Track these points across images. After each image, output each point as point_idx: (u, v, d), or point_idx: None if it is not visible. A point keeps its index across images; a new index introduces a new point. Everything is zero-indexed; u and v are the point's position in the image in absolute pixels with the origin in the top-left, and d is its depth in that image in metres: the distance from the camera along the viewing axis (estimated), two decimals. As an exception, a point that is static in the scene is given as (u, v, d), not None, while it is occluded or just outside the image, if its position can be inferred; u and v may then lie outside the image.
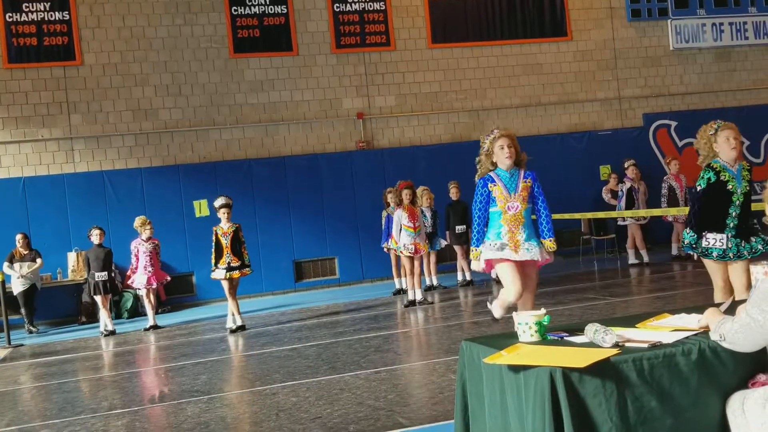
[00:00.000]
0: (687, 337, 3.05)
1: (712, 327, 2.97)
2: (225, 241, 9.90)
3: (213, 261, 9.99)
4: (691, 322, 3.28)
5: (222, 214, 9.97)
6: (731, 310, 3.15)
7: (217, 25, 13.93)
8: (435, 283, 12.44)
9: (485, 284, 12.44)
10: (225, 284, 9.99)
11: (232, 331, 9.95)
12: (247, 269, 10.13)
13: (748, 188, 5.85)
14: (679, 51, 16.03)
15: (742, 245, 5.73)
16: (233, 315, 10.08)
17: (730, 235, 5.71)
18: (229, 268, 9.90)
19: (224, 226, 9.98)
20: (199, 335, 10.21)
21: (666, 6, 15.83)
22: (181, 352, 8.99)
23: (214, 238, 9.96)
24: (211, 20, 13.91)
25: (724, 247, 5.70)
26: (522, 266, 5.62)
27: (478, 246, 5.66)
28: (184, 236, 13.40)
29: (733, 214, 5.74)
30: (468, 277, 12.55)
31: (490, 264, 5.68)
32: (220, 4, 13.93)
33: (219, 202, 10.05)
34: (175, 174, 13.64)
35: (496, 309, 5.68)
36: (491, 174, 5.71)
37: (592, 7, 15.69)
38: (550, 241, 5.77)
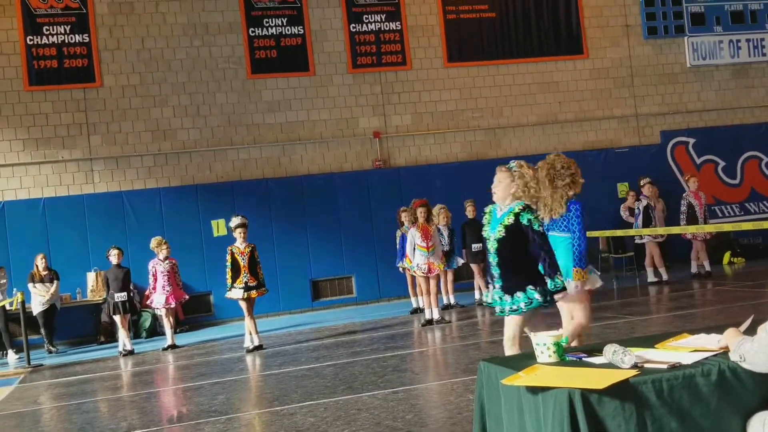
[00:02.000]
0: (706, 358, 3.03)
1: (731, 347, 2.95)
2: (242, 261, 9.93)
3: (229, 281, 10.03)
4: (710, 342, 3.26)
5: (238, 234, 10.01)
6: (751, 330, 3.12)
7: (235, 46, 14.07)
8: (452, 301, 12.41)
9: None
10: (243, 304, 10.01)
11: (250, 351, 9.96)
12: (263, 288, 10.16)
13: None
14: (696, 68, 15.99)
15: None
16: (251, 334, 10.10)
17: None
18: (247, 288, 9.92)
19: (240, 246, 10.02)
20: (217, 355, 10.23)
21: (682, 23, 15.82)
22: (199, 371, 9.00)
23: (229, 257, 10.00)
24: (229, 41, 14.05)
25: None
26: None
27: (584, 266, 5.72)
28: (202, 255, 13.47)
29: None
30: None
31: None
32: (237, 25, 14.08)
33: (235, 222, 10.09)
34: (193, 194, 13.73)
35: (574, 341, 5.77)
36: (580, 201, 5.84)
37: (608, 25, 15.70)
38: (576, 271, 5.83)
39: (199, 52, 13.96)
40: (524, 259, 5.03)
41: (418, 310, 11.97)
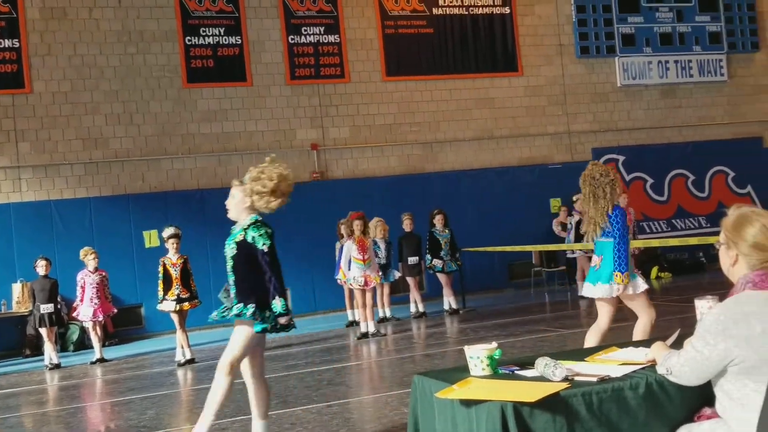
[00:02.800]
0: (635, 371, 3.10)
1: (658, 361, 3.02)
2: (174, 273, 9.77)
3: (161, 293, 9.85)
4: (638, 355, 3.33)
5: (170, 245, 9.85)
6: (678, 344, 3.20)
7: (171, 55, 13.87)
8: (388, 314, 12.42)
9: (439, 316, 12.47)
10: (174, 316, 9.84)
11: (182, 365, 9.78)
12: (196, 300, 10.02)
13: None
14: (626, 87, 16.44)
15: None
16: (182, 348, 9.92)
17: None
18: (179, 300, 9.76)
19: (173, 257, 9.86)
20: (147, 369, 10.01)
21: (613, 44, 16.26)
22: (129, 386, 8.79)
23: (161, 269, 9.83)
24: (165, 50, 13.85)
25: None
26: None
27: (625, 270, 5.88)
28: (133, 267, 13.18)
29: None
30: (421, 309, 12.56)
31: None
32: (173, 33, 13.88)
33: (168, 232, 9.93)
34: (125, 204, 13.44)
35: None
36: (621, 207, 6.09)
37: (542, 44, 16.03)
38: (618, 275, 6.05)
39: (133, 59, 13.72)
40: (259, 278, 4.86)
41: (354, 323, 11.94)
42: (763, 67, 17.39)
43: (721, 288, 3.02)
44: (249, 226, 4.86)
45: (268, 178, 4.92)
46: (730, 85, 17.09)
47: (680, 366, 2.85)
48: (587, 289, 6.19)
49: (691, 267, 15.63)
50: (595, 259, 6.12)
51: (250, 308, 4.77)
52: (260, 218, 4.95)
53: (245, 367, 5.05)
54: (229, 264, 4.94)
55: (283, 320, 4.85)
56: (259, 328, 4.78)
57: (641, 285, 6.07)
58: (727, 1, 16.97)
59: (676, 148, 16.67)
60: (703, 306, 3.41)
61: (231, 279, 4.96)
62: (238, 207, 4.97)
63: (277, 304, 4.79)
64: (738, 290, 2.77)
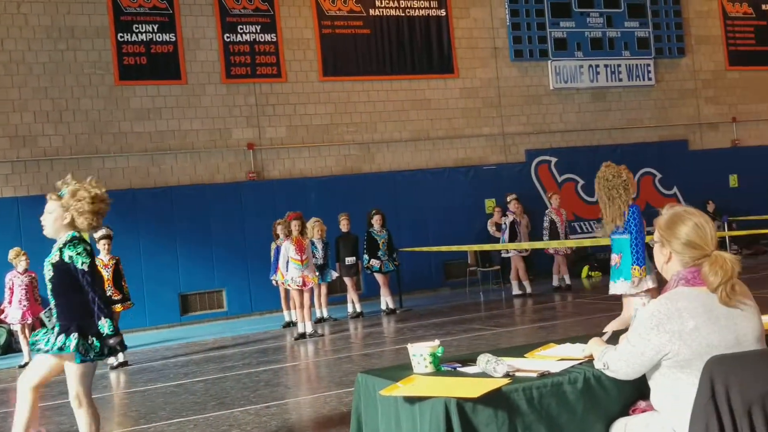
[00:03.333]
0: (573, 366, 3.18)
1: (596, 356, 3.11)
2: (106, 274, 9.56)
3: (92, 295, 9.60)
4: (576, 351, 3.42)
5: (102, 246, 9.63)
6: (614, 339, 3.30)
7: (102, 51, 13.56)
8: (325, 315, 12.41)
9: (377, 316, 12.51)
10: (107, 318, 9.60)
11: (114, 368, 9.56)
12: (128, 302, 9.83)
13: None
14: (558, 90, 16.79)
15: None
16: (116, 350, 9.69)
17: None
18: (111, 302, 9.53)
19: (104, 258, 9.65)
20: (79, 372, 9.75)
21: (546, 48, 16.58)
22: (60, 389, 8.54)
23: (94, 270, 9.58)
24: (96, 46, 13.53)
25: None
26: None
27: (643, 264, 6.09)
28: (63, 268, 12.80)
29: None
30: (358, 309, 12.59)
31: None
32: (105, 30, 13.58)
33: (99, 233, 9.69)
34: (55, 203, 13.05)
35: None
36: (636, 204, 6.31)
37: (477, 47, 16.24)
38: (635, 269, 6.26)
39: (63, 56, 13.36)
40: (81, 300, 4.54)
41: (291, 324, 11.89)
42: (688, 72, 17.99)
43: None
44: (65, 244, 4.52)
45: (88, 196, 4.56)
46: (657, 89, 17.62)
47: (616, 360, 2.94)
48: (611, 288, 6.42)
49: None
50: (615, 257, 6.40)
51: (72, 340, 4.44)
52: (78, 235, 4.60)
53: (31, 373, 4.70)
54: (48, 287, 4.61)
55: (111, 341, 4.52)
56: (79, 360, 4.47)
57: (650, 283, 6.23)
58: (655, 7, 17.49)
59: (606, 150, 17.06)
60: (638, 303, 3.52)
61: (52, 302, 4.62)
62: (56, 224, 4.58)
63: (104, 325, 4.48)
64: (671, 287, 2.88)
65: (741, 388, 2.63)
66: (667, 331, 2.76)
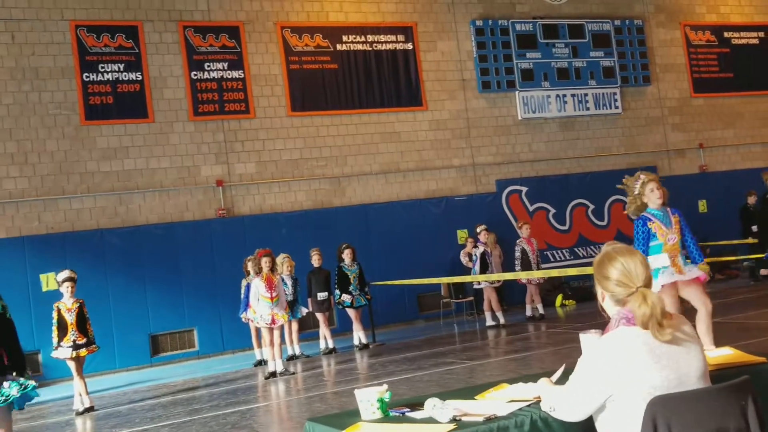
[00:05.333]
0: (520, 409, 3.13)
1: (543, 398, 3.07)
2: (69, 318, 9.41)
3: (55, 339, 9.46)
4: (526, 392, 3.38)
5: (65, 289, 9.49)
6: (563, 379, 3.26)
7: (68, 92, 13.49)
8: (297, 352, 12.29)
9: (350, 351, 12.39)
10: (71, 363, 9.45)
11: (80, 413, 9.38)
12: (94, 346, 9.66)
13: None
14: (527, 120, 16.92)
15: None
16: (81, 395, 9.52)
17: None
18: (76, 346, 9.39)
19: (68, 302, 9.50)
20: (44, 419, 9.56)
21: (513, 78, 16.73)
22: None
23: (55, 315, 9.46)
24: (61, 86, 13.46)
25: None
26: (687, 285, 6.61)
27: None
28: (29, 312, 12.60)
29: None
30: (331, 345, 12.47)
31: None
32: (70, 70, 13.52)
33: (61, 276, 9.57)
34: (20, 246, 12.91)
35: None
36: (646, 214, 6.68)
37: (445, 79, 16.36)
38: (704, 263, 6.82)
39: (28, 97, 13.27)
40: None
41: (263, 362, 11.75)
42: (654, 100, 18.23)
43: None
44: None
45: None
46: (624, 117, 17.82)
47: (563, 403, 2.90)
48: None
49: (593, 294, 15.96)
50: None
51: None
52: None
53: None
54: None
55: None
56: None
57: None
58: (619, 37, 17.75)
59: (576, 178, 17.22)
60: (588, 340, 3.49)
61: None
62: None
63: (27, 376, 4.70)
64: (612, 327, 2.85)
65: (683, 428, 2.60)
66: (610, 373, 2.73)
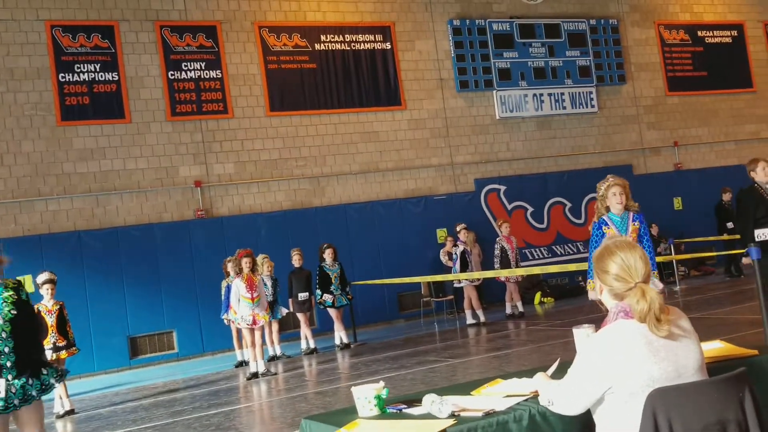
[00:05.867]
0: (518, 403, 3.15)
1: (540, 392, 3.09)
2: (50, 320, 9.30)
3: (36, 342, 9.32)
4: (522, 387, 3.39)
5: (45, 291, 9.39)
6: (559, 373, 3.28)
7: (43, 92, 13.33)
8: (278, 352, 12.24)
9: (331, 351, 12.37)
10: (51, 366, 9.33)
11: (60, 417, 9.28)
12: (74, 348, 9.56)
13: None
14: (504, 120, 17.00)
15: None
16: (61, 398, 9.42)
17: None
18: (56, 348, 9.27)
19: (48, 304, 9.39)
20: (23, 423, 9.42)
21: (491, 78, 16.80)
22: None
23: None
24: (37, 87, 13.29)
25: None
26: None
27: (591, 278, 6.50)
28: (5, 315, 12.42)
29: None
30: (312, 345, 12.44)
31: None
32: (46, 70, 13.36)
33: (41, 278, 9.47)
34: (-4, 248, 12.71)
35: None
36: (604, 218, 6.63)
37: (423, 78, 16.39)
38: (655, 274, 6.62)
39: (3, 98, 13.09)
40: None
41: (244, 363, 11.69)
42: (629, 99, 18.40)
43: (599, 311, 3.13)
44: None
45: None
46: (600, 116, 17.97)
47: (560, 396, 2.92)
48: (591, 294, 6.79)
49: (571, 291, 16.19)
50: None
51: None
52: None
53: None
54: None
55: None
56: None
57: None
58: (595, 36, 17.90)
59: (553, 177, 17.33)
60: (581, 335, 3.51)
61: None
62: None
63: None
64: (611, 320, 2.87)
65: (683, 421, 2.63)
66: (608, 366, 2.75)
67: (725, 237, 15.54)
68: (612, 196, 6.60)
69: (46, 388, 4.65)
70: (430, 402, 3.13)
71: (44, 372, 4.63)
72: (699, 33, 19.39)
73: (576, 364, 2.90)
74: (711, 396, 2.67)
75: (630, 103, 18.40)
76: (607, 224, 6.60)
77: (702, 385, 2.72)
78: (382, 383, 3.35)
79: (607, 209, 6.65)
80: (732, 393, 2.70)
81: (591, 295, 6.70)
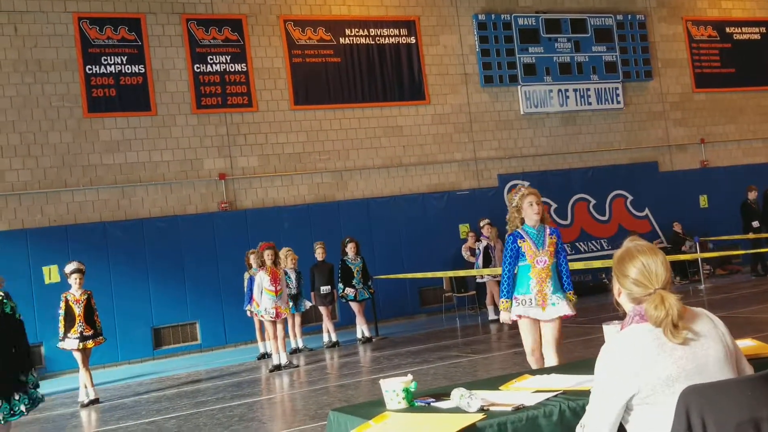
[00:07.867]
0: (548, 399, 3.14)
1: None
2: (77, 309, 9.39)
3: (62, 330, 9.44)
4: (552, 382, 3.38)
5: (73, 281, 9.47)
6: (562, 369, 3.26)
7: (70, 84, 13.44)
8: (300, 345, 12.28)
9: (353, 345, 12.40)
10: (78, 355, 9.44)
11: (85, 406, 9.37)
12: (100, 338, 9.65)
13: None
14: (529, 115, 16.91)
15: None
16: (86, 387, 9.52)
17: None
18: (83, 338, 9.38)
19: (76, 293, 9.48)
20: (48, 411, 9.54)
21: (516, 73, 16.72)
22: (29, 430, 8.35)
23: (63, 305, 9.43)
24: (64, 79, 13.40)
25: None
26: (546, 322, 6.06)
27: (509, 297, 6.06)
28: (32, 304, 12.56)
29: None
30: (334, 338, 12.47)
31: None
32: (73, 62, 13.47)
33: (70, 267, 9.56)
34: (23, 239, 12.87)
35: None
36: (519, 230, 6.07)
37: (447, 73, 16.33)
38: (571, 294, 6.21)
39: (31, 89, 13.22)
40: None
41: (266, 356, 11.74)
42: (656, 95, 18.23)
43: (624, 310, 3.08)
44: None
45: None
46: (626, 112, 17.82)
47: (592, 418, 2.84)
48: (504, 316, 6.32)
49: (594, 288, 16.07)
50: None
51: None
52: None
53: None
54: None
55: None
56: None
57: (513, 316, 6.14)
58: (621, 32, 17.74)
59: (577, 173, 17.22)
60: (611, 331, 3.49)
61: None
62: None
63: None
64: (627, 323, 2.83)
65: (716, 418, 2.60)
66: (623, 374, 2.69)
67: (751, 236, 15.36)
68: (528, 206, 6.02)
69: (14, 414, 4.40)
70: (459, 396, 3.13)
71: (16, 397, 4.39)
72: (727, 29, 19.16)
73: (595, 383, 2.84)
74: (745, 393, 2.64)
75: (656, 100, 18.22)
76: (522, 237, 6.03)
77: (736, 382, 2.69)
78: (410, 377, 3.35)
79: (522, 221, 6.08)
80: (765, 391, 2.66)
81: (503, 317, 6.14)
